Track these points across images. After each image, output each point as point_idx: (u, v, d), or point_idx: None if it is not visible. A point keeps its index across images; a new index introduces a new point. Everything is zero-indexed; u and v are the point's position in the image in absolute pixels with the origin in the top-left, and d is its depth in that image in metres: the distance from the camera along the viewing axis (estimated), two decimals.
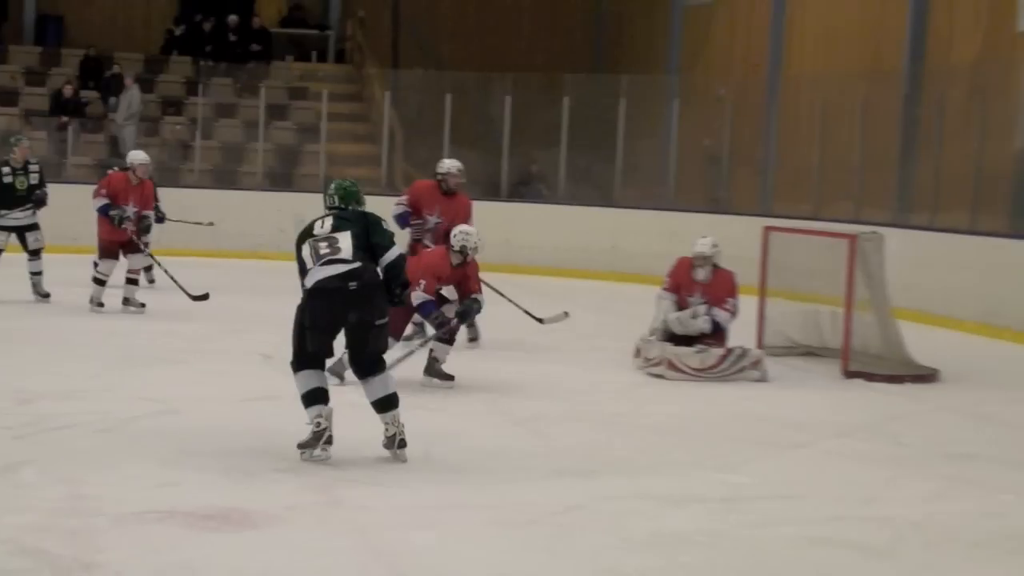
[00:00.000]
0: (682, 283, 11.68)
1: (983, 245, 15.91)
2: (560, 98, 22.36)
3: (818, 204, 19.14)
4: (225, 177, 23.30)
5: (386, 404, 7.68)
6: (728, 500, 7.54)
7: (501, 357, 11.04)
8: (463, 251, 10.65)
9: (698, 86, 24.36)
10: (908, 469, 8.45)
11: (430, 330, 10.90)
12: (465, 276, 10.70)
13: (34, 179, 14.57)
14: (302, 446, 7.62)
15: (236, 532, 6.47)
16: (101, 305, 14.06)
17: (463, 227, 10.97)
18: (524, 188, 22.91)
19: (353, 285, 7.58)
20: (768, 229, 13.73)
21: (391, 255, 7.84)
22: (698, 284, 11.68)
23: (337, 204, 8.11)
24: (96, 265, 14.60)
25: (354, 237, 7.73)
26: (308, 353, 7.79)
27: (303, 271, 7.82)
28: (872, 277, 12.33)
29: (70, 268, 16.09)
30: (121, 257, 14.17)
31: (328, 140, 23.95)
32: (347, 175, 23.75)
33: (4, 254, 14.64)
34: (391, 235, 8.02)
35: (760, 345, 12.67)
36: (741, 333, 12.15)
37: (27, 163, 14.65)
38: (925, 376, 11.94)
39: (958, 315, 15.50)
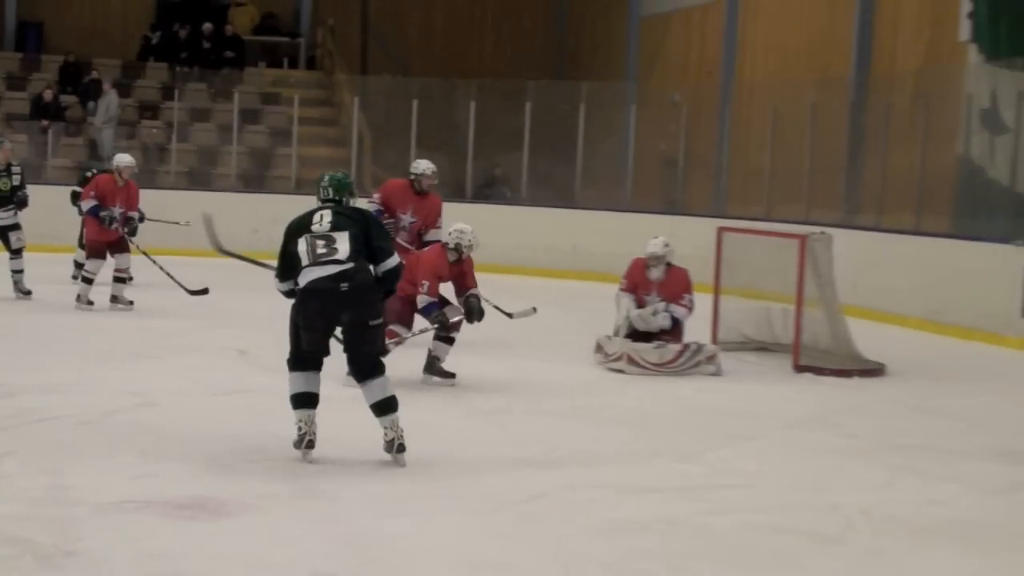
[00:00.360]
0: (638, 283, 11.68)
1: (927, 245, 15.97)
2: (522, 104, 22.34)
3: (769, 206, 19.18)
4: (200, 179, 23.26)
5: (384, 407, 7.39)
6: (684, 489, 7.57)
7: (469, 351, 11.01)
8: (458, 249, 10.53)
9: (654, 93, 24.40)
10: (856, 459, 8.46)
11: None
12: (462, 272, 10.58)
13: (16, 180, 14.60)
14: (296, 444, 7.50)
15: (212, 520, 6.46)
16: (90, 303, 14.01)
17: (458, 225, 10.77)
18: (488, 190, 22.92)
19: (344, 286, 7.29)
20: (722, 230, 13.76)
21: (390, 263, 7.62)
22: (653, 283, 11.68)
23: (332, 196, 7.78)
24: (83, 265, 14.68)
25: (352, 239, 7.44)
26: (303, 353, 7.51)
27: (290, 265, 7.54)
28: (821, 276, 12.36)
29: (51, 266, 16.18)
30: (108, 256, 14.12)
31: (299, 144, 23.89)
32: (317, 178, 23.91)
33: None
34: (391, 243, 7.90)
35: (715, 341, 12.71)
36: (697, 329, 12.16)
37: (9, 165, 14.66)
38: (872, 370, 11.98)
39: (903, 312, 15.56)
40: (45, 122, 23.62)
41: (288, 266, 7.57)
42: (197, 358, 11.32)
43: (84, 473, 7.24)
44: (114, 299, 14.08)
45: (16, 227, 14.63)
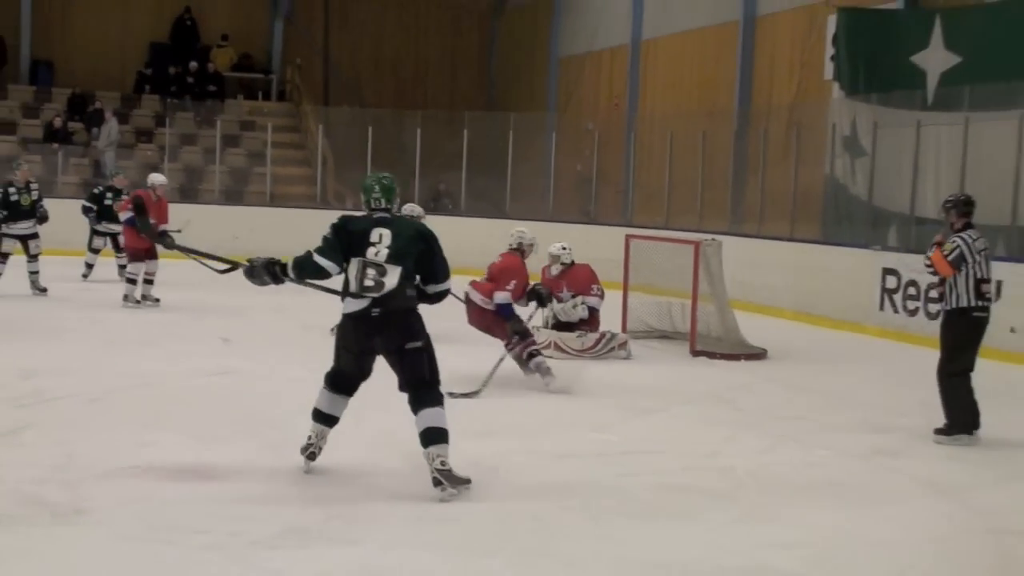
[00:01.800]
0: (550, 283, 11.59)
1: (799, 250, 16.10)
2: (461, 131, 22.36)
3: (668, 216, 19.23)
4: (188, 193, 23.05)
5: (427, 438, 6.14)
6: (601, 455, 7.58)
7: None
8: (520, 248, 10.31)
9: (571, 122, 24.45)
10: (744, 429, 8.49)
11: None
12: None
13: (35, 195, 14.74)
14: (302, 450, 6.56)
15: (203, 483, 6.43)
16: (138, 302, 13.99)
17: (519, 227, 10.60)
18: (434, 203, 22.84)
19: (376, 311, 6.17)
20: (629, 237, 13.81)
21: (443, 286, 6.49)
22: (562, 281, 11.62)
23: (384, 206, 6.44)
24: (92, 266, 15.43)
25: (405, 272, 6.20)
26: (339, 372, 6.49)
27: (333, 248, 6.27)
28: (712, 275, 12.43)
29: (62, 267, 16.13)
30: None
31: (272, 164, 23.79)
32: (288, 192, 23.84)
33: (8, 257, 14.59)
34: (448, 269, 6.53)
35: (625, 330, 12.74)
36: (610, 320, 12.17)
37: (28, 183, 14.73)
38: (756, 354, 12.05)
39: (781, 306, 15.65)
40: (56, 145, 23.49)
41: (331, 248, 6.27)
42: (188, 345, 11.23)
43: (92, 443, 7.20)
44: (144, 297, 14.00)
45: (35, 236, 14.66)
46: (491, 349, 9.89)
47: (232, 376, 9.75)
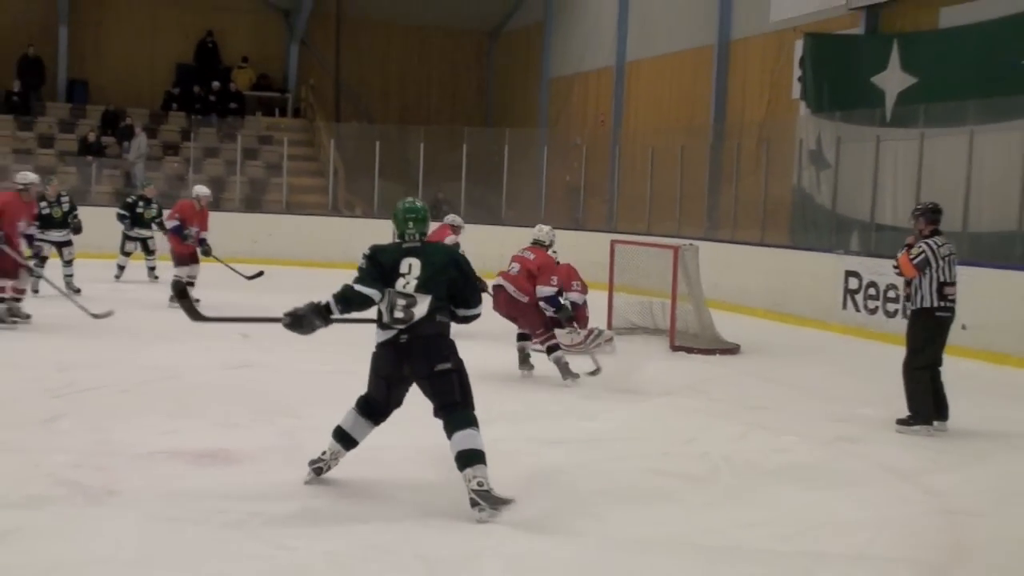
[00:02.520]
0: None
1: (770, 254, 16.09)
2: (460, 145, 22.35)
3: (650, 223, 19.21)
4: (212, 202, 23.00)
5: (462, 460, 5.59)
6: (589, 441, 7.58)
7: None
8: (551, 244, 10.27)
9: (561, 137, 24.44)
10: (719, 417, 8.51)
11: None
12: None
13: (66, 207, 14.82)
14: (310, 462, 6.08)
15: (223, 466, 6.43)
16: (197, 303, 13.78)
17: (541, 225, 10.55)
18: (434, 211, 22.81)
19: (404, 338, 5.66)
20: (614, 242, 13.82)
21: (471, 312, 5.96)
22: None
23: (418, 239, 5.88)
24: (124, 268, 15.73)
25: (435, 299, 5.69)
26: (370, 397, 5.95)
27: (370, 276, 5.73)
28: (690, 277, 12.43)
29: (95, 269, 16.12)
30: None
31: (288, 175, 23.77)
32: (303, 201, 23.80)
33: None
34: (480, 294, 6.06)
35: (610, 327, 12.74)
36: (597, 318, 12.17)
37: (59, 196, 14.76)
38: (730, 349, 12.05)
39: (753, 305, 15.65)
40: (90, 158, 23.43)
41: (369, 276, 5.73)
42: (209, 340, 11.16)
43: (123, 430, 7.19)
44: (172, 299, 13.59)
45: (68, 243, 14.73)
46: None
47: (250, 369, 9.73)
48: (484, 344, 9.91)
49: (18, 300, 11.85)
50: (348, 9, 27.12)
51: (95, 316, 11.59)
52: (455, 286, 5.79)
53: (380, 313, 5.69)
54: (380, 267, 5.74)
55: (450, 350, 5.77)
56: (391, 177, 22.36)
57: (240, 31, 27.55)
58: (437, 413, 5.75)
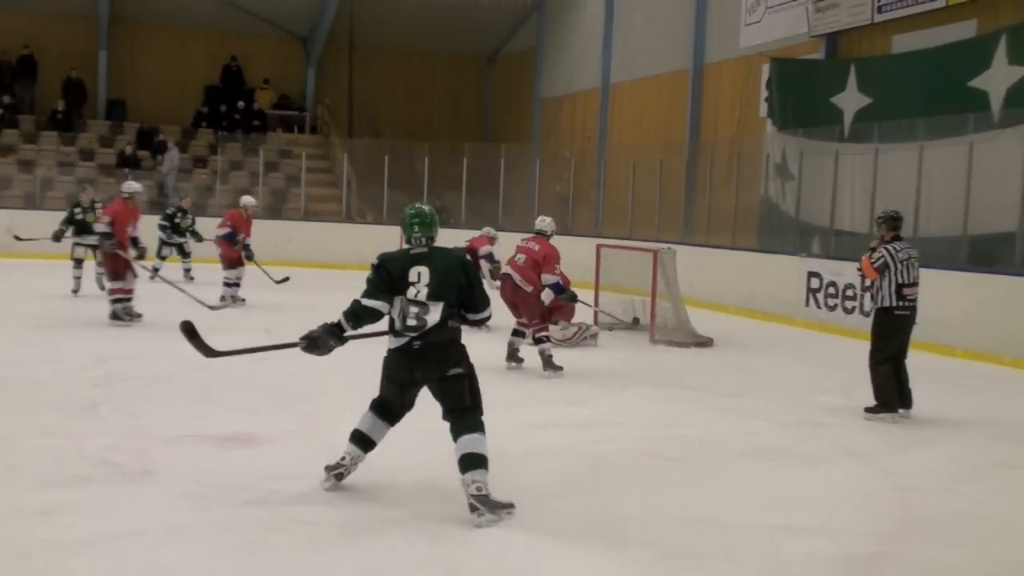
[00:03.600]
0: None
1: (740, 257, 16.10)
2: (462, 159, 22.37)
3: (631, 229, 19.22)
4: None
5: (464, 463, 5.20)
6: (577, 425, 7.56)
7: None
8: (552, 234, 10.20)
9: (552, 152, 24.43)
10: (694, 404, 8.50)
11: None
12: None
13: (98, 213, 14.52)
14: (327, 468, 5.65)
15: (247, 449, 6.43)
16: (242, 301, 13.89)
17: (545, 217, 10.44)
18: (440, 216, 22.85)
19: (417, 344, 5.29)
20: (599, 246, 13.81)
21: (483, 314, 5.53)
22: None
23: (425, 243, 5.44)
24: (159, 269, 15.33)
25: (447, 308, 5.31)
26: (383, 400, 5.59)
27: (378, 288, 5.33)
28: (668, 277, 12.43)
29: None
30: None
31: (306, 185, 23.71)
32: (319, 209, 23.75)
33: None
34: (487, 298, 5.55)
35: (596, 323, 12.72)
36: (583, 314, 12.16)
37: (92, 202, 14.62)
38: (704, 343, 12.04)
39: (725, 302, 15.66)
40: (127, 170, 23.34)
41: (376, 288, 5.34)
42: (236, 335, 10.97)
43: (156, 416, 7.17)
44: (223, 299, 13.69)
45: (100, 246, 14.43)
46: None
47: (271, 360, 9.57)
48: (482, 336, 9.89)
49: (129, 300, 11.83)
50: (360, 37, 27.10)
51: (211, 308, 11.70)
52: (465, 291, 5.39)
53: (392, 321, 5.36)
54: (388, 277, 5.35)
55: (462, 355, 5.43)
56: (399, 187, 22.35)
57: (262, 56, 27.55)
58: (446, 416, 5.38)
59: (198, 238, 17.07)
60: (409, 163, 23.05)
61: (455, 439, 5.28)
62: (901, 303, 8.01)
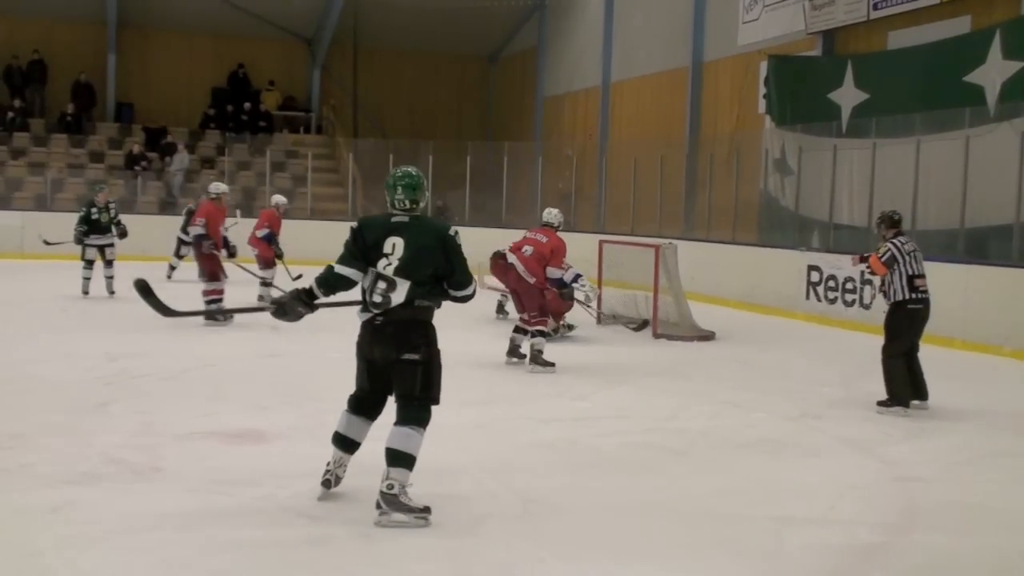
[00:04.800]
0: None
1: (740, 251, 16.07)
2: (465, 157, 22.37)
3: (633, 225, 19.18)
4: (244, 209, 22.98)
5: (388, 456, 4.85)
6: (580, 419, 7.53)
7: None
8: (560, 227, 10.09)
9: (554, 149, 24.39)
10: (696, 397, 8.47)
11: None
12: None
13: (113, 214, 14.58)
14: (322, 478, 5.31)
15: (255, 445, 6.41)
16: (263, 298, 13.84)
17: (553, 209, 10.29)
18: (442, 216, 22.82)
19: (380, 320, 4.91)
20: (602, 242, 13.81)
21: (466, 291, 5.09)
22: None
23: (408, 207, 5.03)
24: (175, 268, 15.85)
25: (415, 284, 4.89)
26: (358, 390, 5.18)
27: (352, 256, 5.00)
28: (670, 272, 12.41)
29: (142, 271, 15.73)
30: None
31: (312, 184, 23.71)
32: (325, 208, 23.75)
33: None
34: (470, 275, 5.11)
35: (599, 322, 12.69)
36: (583, 315, 12.12)
37: (107, 203, 14.54)
38: (706, 336, 12.02)
39: (726, 296, 15.61)
40: (136, 170, 23.45)
41: (351, 255, 5.01)
42: (243, 332, 11.17)
43: (165, 413, 7.16)
44: (260, 298, 13.54)
45: (111, 245, 14.48)
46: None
47: (279, 358, 9.69)
48: (488, 332, 9.87)
49: (221, 300, 11.84)
50: (364, 38, 27.06)
51: (295, 279, 11.71)
52: (442, 267, 4.95)
53: (363, 292, 5.00)
54: (363, 244, 4.98)
55: (423, 340, 4.95)
56: None
57: (268, 58, 27.52)
58: (396, 400, 5.00)
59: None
60: (413, 162, 22.61)
61: (393, 426, 4.93)
62: (914, 295, 7.93)
